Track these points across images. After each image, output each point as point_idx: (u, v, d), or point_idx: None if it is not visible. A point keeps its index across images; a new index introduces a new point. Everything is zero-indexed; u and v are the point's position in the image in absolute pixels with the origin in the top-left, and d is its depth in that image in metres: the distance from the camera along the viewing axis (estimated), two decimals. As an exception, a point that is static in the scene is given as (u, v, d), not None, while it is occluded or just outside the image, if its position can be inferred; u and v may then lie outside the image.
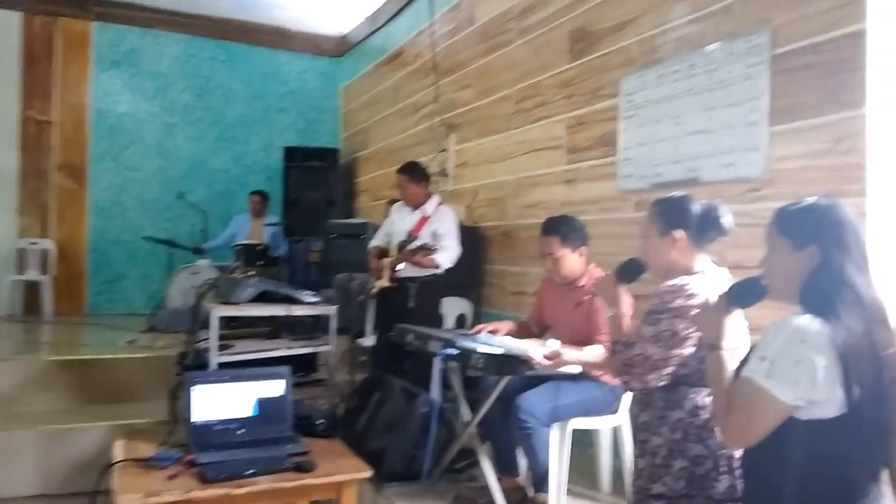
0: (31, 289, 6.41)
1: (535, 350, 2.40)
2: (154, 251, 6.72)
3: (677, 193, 1.95)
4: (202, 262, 5.95)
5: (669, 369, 1.76)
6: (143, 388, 4.04)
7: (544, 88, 4.05)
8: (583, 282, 2.77)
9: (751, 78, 2.64)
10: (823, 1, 2.38)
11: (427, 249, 3.64)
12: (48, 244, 6.52)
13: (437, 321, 4.14)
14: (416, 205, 3.97)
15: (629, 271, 2.00)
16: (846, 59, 2.29)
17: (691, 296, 1.76)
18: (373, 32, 6.95)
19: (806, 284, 1.39)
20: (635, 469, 1.89)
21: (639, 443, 1.87)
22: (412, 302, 3.78)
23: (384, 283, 3.86)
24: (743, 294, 1.54)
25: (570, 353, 2.49)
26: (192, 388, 2.32)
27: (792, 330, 1.32)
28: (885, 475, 1.36)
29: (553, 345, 2.52)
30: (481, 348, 2.25)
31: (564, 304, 2.81)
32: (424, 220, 3.92)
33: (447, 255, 3.79)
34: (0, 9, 6.48)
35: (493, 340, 2.39)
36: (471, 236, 4.64)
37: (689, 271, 1.86)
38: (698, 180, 2.86)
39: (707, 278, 1.83)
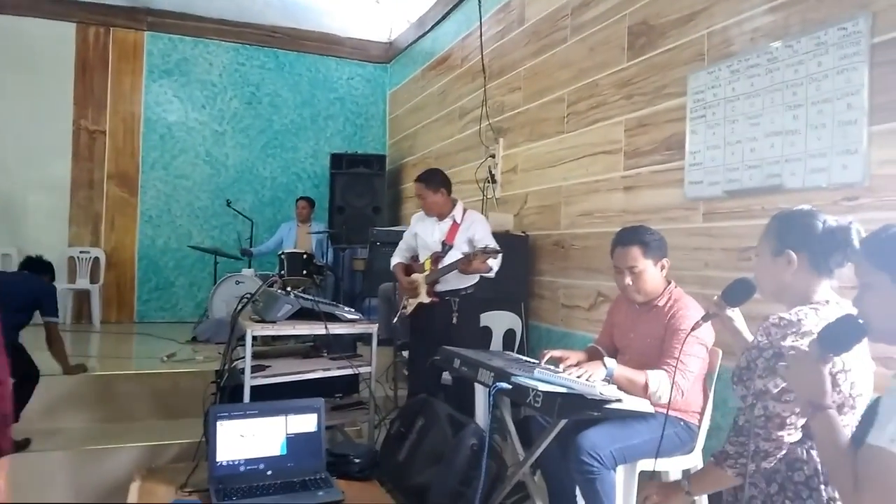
0: (81, 297, 6.47)
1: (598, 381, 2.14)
2: (202, 259, 6.78)
3: (803, 207, 1.67)
4: (246, 272, 5.87)
5: (801, 421, 1.49)
6: (181, 405, 3.93)
7: (601, 89, 3.76)
8: (661, 301, 2.46)
9: (846, 70, 2.30)
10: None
11: (487, 253, 3.33)
12: (98, 253, 6.57)
13: (481, 337, 3.89)
14: (439, 214, 3.72)
15: (738, 293, 1.78)
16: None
17: (806, 334, 1.47)
18: (420, 37, 6.78)
19: None
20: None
21: (732, 489, 1.64)
22: (455, 318, 3.54)
23: (423, 299, 3.61)
24: (838, 337, 1.28)
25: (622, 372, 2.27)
26: (217, 425, 2.11)
27: None
28: None
29: (610, 366, 2.26)
30: (541, 386, 1.97)
31: (639, 327, 2.50)
32: (455, 227, 3.68)
33: (496, 260, 3.51)
34: (55, 20, 6.59)
35: (555, 378, 2.11)
36: (519, 245, 4.39)
37: (806, 300, 1.58)
38: (782, 187, 2.53)
39: (828, 311, 1.54)
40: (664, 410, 2.29)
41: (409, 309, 3.71)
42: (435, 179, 3.71)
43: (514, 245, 4.38)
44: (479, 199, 5.06)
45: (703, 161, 2.93)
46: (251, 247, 6.54)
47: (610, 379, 2.27)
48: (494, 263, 3.52)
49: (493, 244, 3.50)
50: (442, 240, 3.66)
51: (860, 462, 1.15)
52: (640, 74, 3.43)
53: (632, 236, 2.46)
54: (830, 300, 1.58)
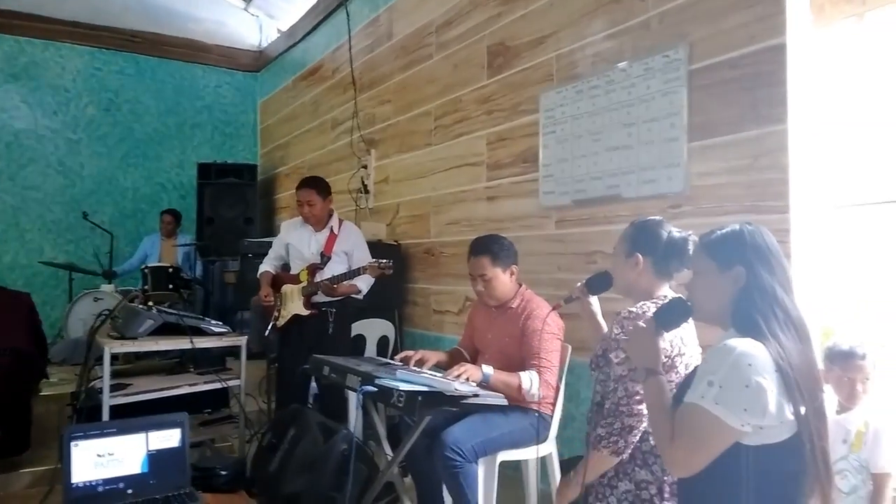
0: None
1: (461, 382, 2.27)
2: (55, 275, 6.33)
3: (654, 218, 1.94)
4: (106, 288, 5.55)
5: None
6: (34, 431, 3.66)
7: (464, 104, 3.96)
8: (514, 303, 2.65)
9: (669, 93, 2.60)
10: (741, 15, 2.36)
11: (383, 268, 3.25)
12: (-67, 272, 5.96)
13: (355, 344, 3.93)
14: (318, 224, 3.63)
15: (600, 283, 2.02)
16: (766, 73, 2.27)
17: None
18: (291, 47, 6.75)
19: (737, 305, 1.39)
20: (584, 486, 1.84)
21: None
22: (331, 328, 3.51)
23: (300, 311, 3.52)
24: (669, 316, 1.54)
25: (497, 377, 2.42)
26: (71, 446, 2.03)
27: (738, 354, 1.29)
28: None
29: (487, 371, 2.41)
30: (402, 385, 2.08)
31: (495, 328, 2.68)
32: (333, 237, 3.62)
33: (365, 281, 3.50)
34: None
35: (416, 378, 2.22)
36: (392, 254, 4.47)
37: (650, 296, 1.85)
38: (620, 196, 2.81)
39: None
40: (522, 403, 2.49)
41: (283, 321, 3.61)
42: (326, 187, 3.65)
43: (386, 254, 4.42)
44: (353, 209, 5.12)
45: (554, 173, 3.18)
46: (111, 266, 6.18)
47: (487, 383, 2.41)
48: (364, 285, 3.51)
49: (368, 257, 3.54)
50: (320, 251, 3.58)
51: (676, 417, 1.37)
52: (498, 92, 3.65)
53: (482, 247, 2.64)
54: (668, 296, 1.85)
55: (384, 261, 3.27)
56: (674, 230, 1.87)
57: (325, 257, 3.55)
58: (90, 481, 2.05)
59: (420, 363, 2.60)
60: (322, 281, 3.45)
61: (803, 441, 1.28)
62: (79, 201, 6.69)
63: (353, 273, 3.39)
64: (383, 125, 4.90)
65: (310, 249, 3.62)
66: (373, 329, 4.23)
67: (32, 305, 3.57)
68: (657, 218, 1.93)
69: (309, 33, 6.29)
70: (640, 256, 1.85)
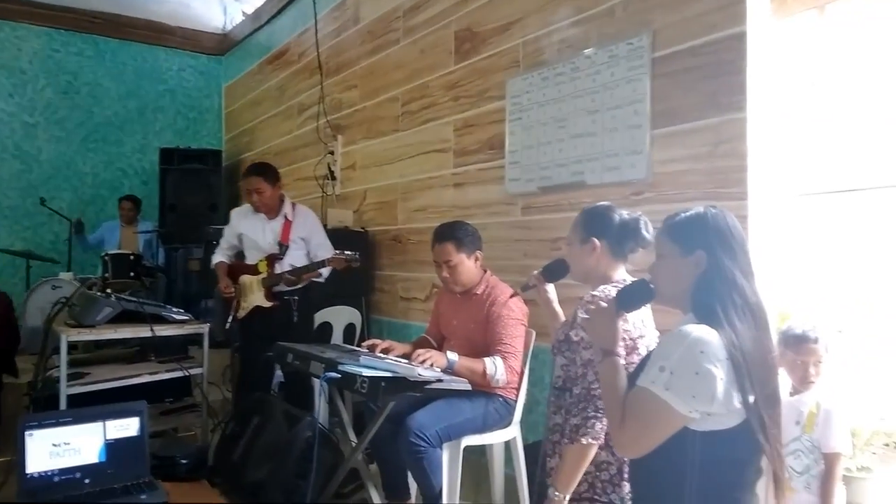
0: None
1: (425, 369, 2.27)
2: (12, 263, 6.15)
3: (603, 203, 1.96)
4: (64, 275, 5.41)
5: None
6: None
7: (432, 90, 3.93)
8: (479, 289, 2.66)
9: (633, 81, 2.62)
10: (703, 3, 2.38)
11: (349, 261, 3.21)
12: None
13: (321, 331, 3.89)
14: (270, 211, 3.53)
15: (555, 271, 2.04)
16: (726, 61, 2.30)
17: None
18: (256, 30, 6.64)
19: (696, 290, 1.40)
20: (545, 468, 1.86)
21: (551, 443, 1.85)
22: (296, 317, 3.44)
23: (262, 303, 3.44)
24: (631, 297, 1.54)
25: (463, 363, 2.44)
26: (26, 435, 1.98)
27: (691, 341, 1.30)
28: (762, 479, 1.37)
29: (452, 358, 2.42)
30: (366, 371, 2.07)
31: (461, 314, 2.69)
32: (288, 224, 3.53)
33: (326, 268, 3.43)
34: None
35: (380, 363, 2.21)
36: (359, 241, 4.46)
37: (608, 280, 1.86)
38: (584, 183, 2.83)
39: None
40: (486, 389, 2.51)
41: (244, 312, 3.52)
42: (274, 173, 3.54)
43: (353, 241, 4.42)
44: (319, 195, 5.07)
45: (520, 160, 3.19)
46: (71, 248, 6.05)
47: (451, 370, 2.42)
48: (325, 270, 3.46)
49: (325, 240, 3.52)
50: (277, 240, 3.51)
51: (628, 400, 1.38)
52: (465, 78, 3.64)
53: (446, 233, 2.64)
54: (626, 279, 1.86)
55: (349, 253, 3.21)
56: (624, 212, 1.90)
57: (283, 246, 3.48)
58: (46, 471, 2.01)
59: (386, 352, 2.60)
60: (283, 273, 3.39)
61: (751, 429, 1.30)
62: (36, 187, 6.51)
63: (315, 265, 3.35)
64: (350, 111, 4.85)
65: (265, 239, 3.54)
66: (339, 316, 4.21)
67: (10, 304, 3.51)
68: (606, 203, 1.96)
69: (274, 16, 6.19)
70: (596, 241, 1.86)
